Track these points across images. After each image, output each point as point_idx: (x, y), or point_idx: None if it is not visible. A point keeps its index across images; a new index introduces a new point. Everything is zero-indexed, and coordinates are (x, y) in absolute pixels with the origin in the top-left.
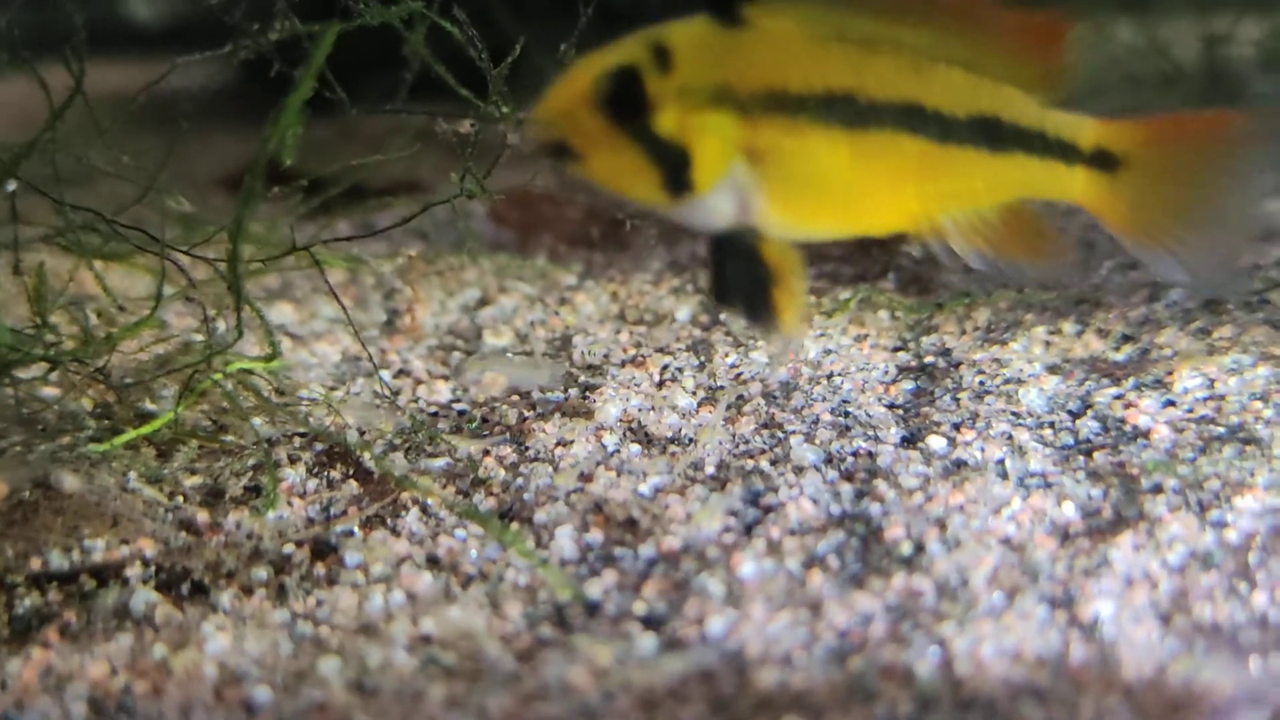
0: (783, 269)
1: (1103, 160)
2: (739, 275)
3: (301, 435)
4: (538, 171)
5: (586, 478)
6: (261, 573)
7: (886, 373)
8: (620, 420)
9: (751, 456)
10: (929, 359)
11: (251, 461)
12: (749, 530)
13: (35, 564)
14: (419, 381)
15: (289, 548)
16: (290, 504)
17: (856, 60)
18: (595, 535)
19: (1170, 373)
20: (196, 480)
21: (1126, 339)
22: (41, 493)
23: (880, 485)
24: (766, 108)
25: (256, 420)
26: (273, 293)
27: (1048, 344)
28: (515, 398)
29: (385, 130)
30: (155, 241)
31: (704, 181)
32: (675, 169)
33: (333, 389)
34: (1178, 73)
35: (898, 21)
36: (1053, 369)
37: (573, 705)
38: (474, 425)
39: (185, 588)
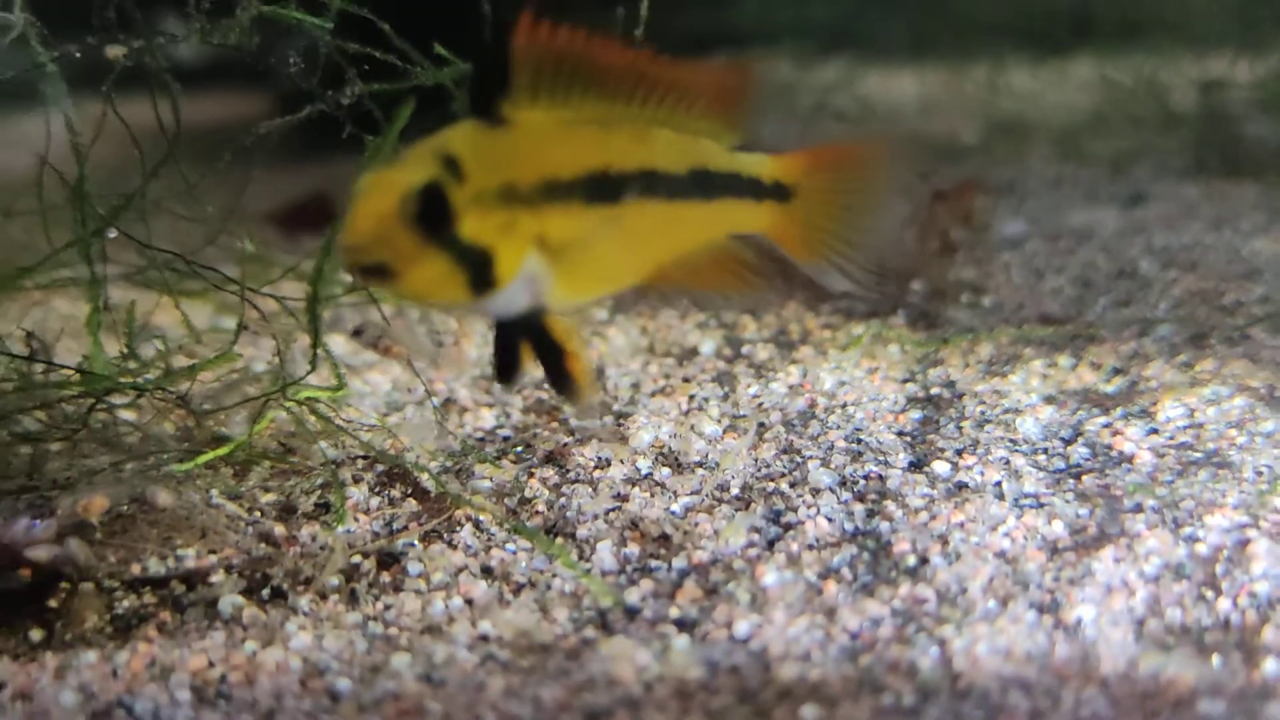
0: (568, 339)
1: (779, 192)
2: (542, 355)
3: (364, 458)
4: None
5: (623, 498)
6: (334, 580)
7: (896, 403)
8: (652, 446)
9: (772, 479)
10: (935, 390)
11: (319, 481)
12: (771, 545)
13: (135, 569)
14: (464, 409)
15: (357, 558)
16: (356, 519)
17: (600, 139)
18: (632, 549)
19: (1155, 403)
20: (271, 497)
21: (1117, 372)
22: (138, 507)
23: (889, 505)
24: (546, 197)
25: (323, 444)
26: (326, 325)
27: (1044, 376)
28: (555, 424)
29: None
30: (231, 281)
31: (506, 276)
32: (481, 270)
33: (386, 415)
34: (1174, 116)
35: (617, 97)
36: (1049, 399)
37: (616, 695)
38: (518, 450)
39: (266, 592)
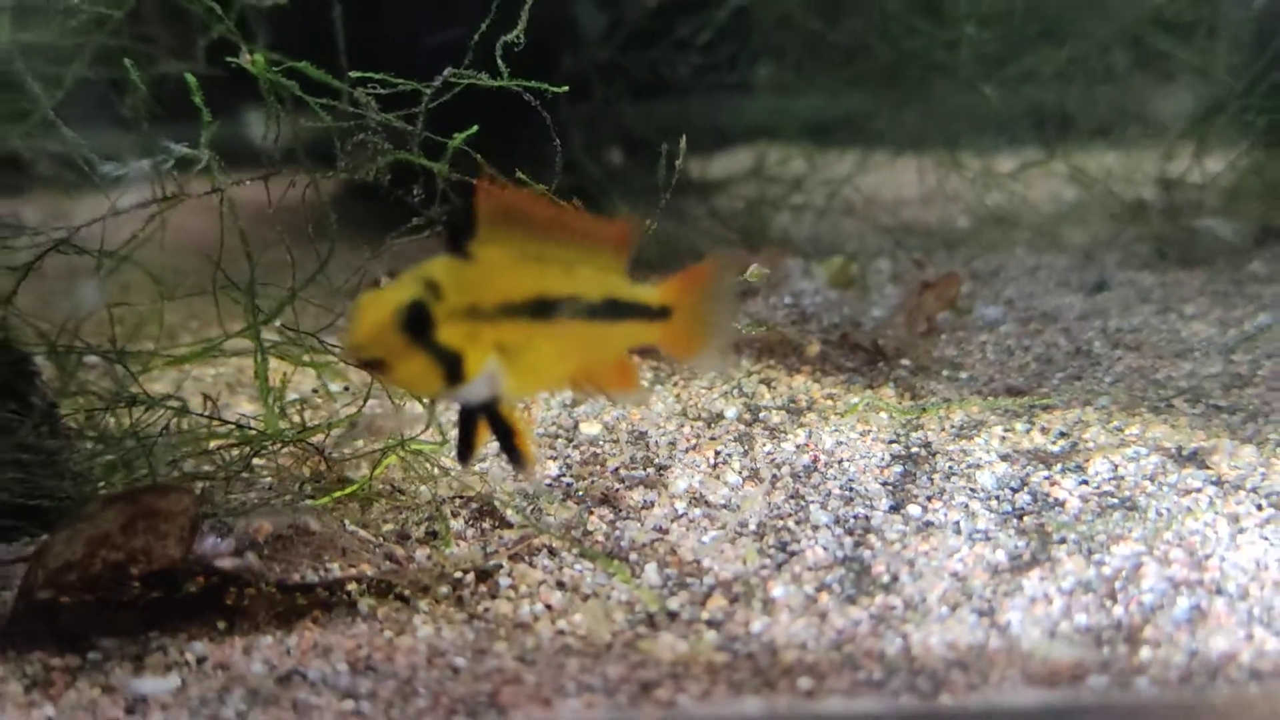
0: (516, 422)
1: (663, 313)
2: (497, 433)
3: (461, 497)
4: None
5: (664, 530)
6: (444, 589)
7: (882, 459)
8: (686, 491)
9: (781, 518)
10: (914, 449)
11: (425, 514)
12: (779, 567)
13: (294, 578)
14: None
15: (459, 574)
16: (457, 544)
17: (539, 272)
18: (672, 570)
19: (1088, 460)
20: (389, 526)
21: (1062, 435)
22: (295, 531)
23: (871, 538)
24: (502, 315)
25: (425, 486)
26: None
27: (1003, 439)
28: (606, 475)
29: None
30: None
31: (471, 372)
32: (452, 368)
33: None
34: (1141, 209)
35: (550, 240)
36: (1004, 457)
37: (663, 671)
38: (580, 493)
39: (393, 598)
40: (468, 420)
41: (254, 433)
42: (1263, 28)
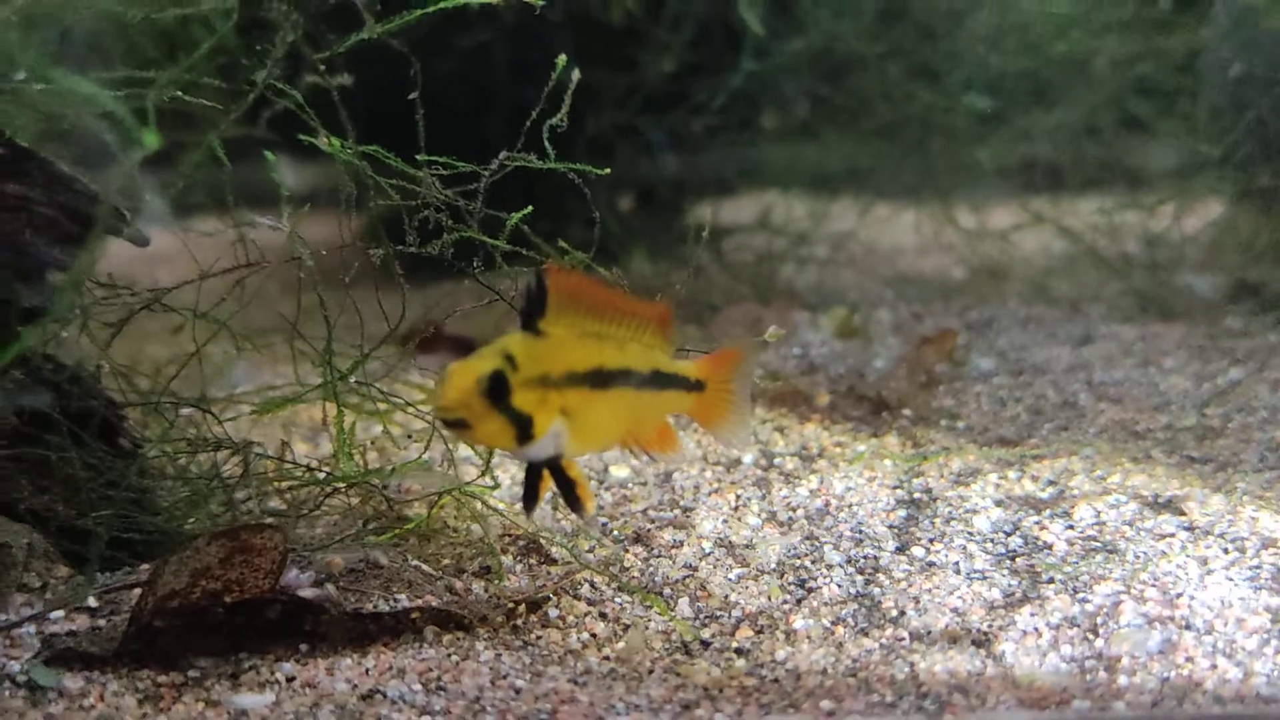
0: (577, 475)
1: (697, 385)
2: (560, 485)
3: (509, 535)
4: None
5: (693, 568)
6: (500, 618)
7: (888, 504)
8: (712, 532)
9: (799, 558)
10: (917, 495)
11: (476, 551)
12: (799, 602)
13: (368, 607)
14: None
15: (512, 605)
16: (508, 578)
17: (598, 348)
18: (703, 603)
19: (1073, 507)
20: (446, 561)
21: (1051, 483)
22: (365, 565)
23: (880, 577)
24: (566, 383)
25: (474, 525)
26: None
27: (997, 486)
28: (639, 514)
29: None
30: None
31: (540, 433)
32: (524, 428)
33: (514, 504)
34: (1126, 263)
35: (606, 320)
36: (998, 503)
37: (699, 693)
38: (615, 533)
39: (453, 626)
40: (533, 474)
41: (324, 475)
42: (1236, 96)
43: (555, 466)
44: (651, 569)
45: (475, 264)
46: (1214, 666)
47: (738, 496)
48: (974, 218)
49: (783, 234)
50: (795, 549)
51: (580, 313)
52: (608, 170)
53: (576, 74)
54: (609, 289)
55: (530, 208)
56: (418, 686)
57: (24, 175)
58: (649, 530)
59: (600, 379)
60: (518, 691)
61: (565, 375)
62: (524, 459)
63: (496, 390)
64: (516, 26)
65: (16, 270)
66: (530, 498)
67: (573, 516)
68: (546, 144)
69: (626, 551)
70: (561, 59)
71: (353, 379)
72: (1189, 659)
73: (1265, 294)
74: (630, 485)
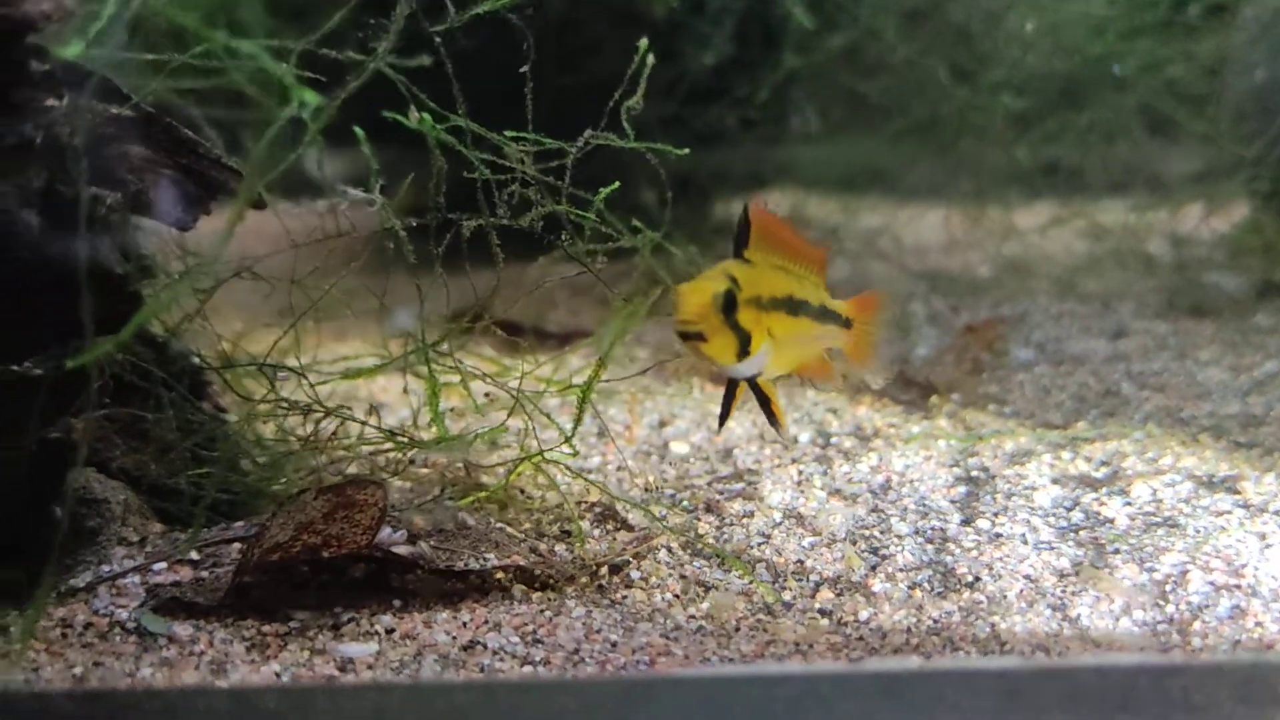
0: (770, 392)
1: (849, 323)
2: (760, 399)
3: (584, 502)
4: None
5: (766, 535)
6: (585, 578)
7: (947, 481)
8: (781, 504)
9: (867, 529)
10: (974, 473)
11: (553, 516)
12: (874, 568)
13: (458, 565)
14: (635, 474)
15: (595, 566)
16: (587, 542)
17: (788, 279)
18: (779, 568)
19: (1129, 485)
20: (527, 525)
21: (1104, 464)
22: (455, 526)
23: (950, 546)
24: (772, 307)
25: (550, 493)
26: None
27: (1052, 465)
28: (706, 486)
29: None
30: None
31: (754, 350)
32: (744, 344)
33: (587, 472)
34: (1152, 262)
35: (789, 256)
36: (1055, 481)
37: (790, 649)
38: (685, 503)
39: (538, 585)
40: (731, 392)
41: (410, 440)
42: (1264, 100)
43: (754, 384)
44: (725, 536)
45: (563, 238)
46: None
47: (800, 472)
48: (1001, 217)
49: (815, 227)
50: (862, 520)
51: (772, 247)
52: (687, 150)
53: (651, 59)
54: (790, 229)
55: (617, 184)
56: (515, 639)
57: (149, 138)
58: (718, 501)
59: (792, 306)
60: (613, 645)
61: (770, 300)
62: (738, 375)
63: (729, 306)
64: (561, 19)
65: (130, 234)
66: (724, 415)
67: (657, 477)
68: (626, 125)
69: (699, 520)
70: (644, 42)
71: (440, 348)
72: (1258, 624)
73: None
74: (692, 460)
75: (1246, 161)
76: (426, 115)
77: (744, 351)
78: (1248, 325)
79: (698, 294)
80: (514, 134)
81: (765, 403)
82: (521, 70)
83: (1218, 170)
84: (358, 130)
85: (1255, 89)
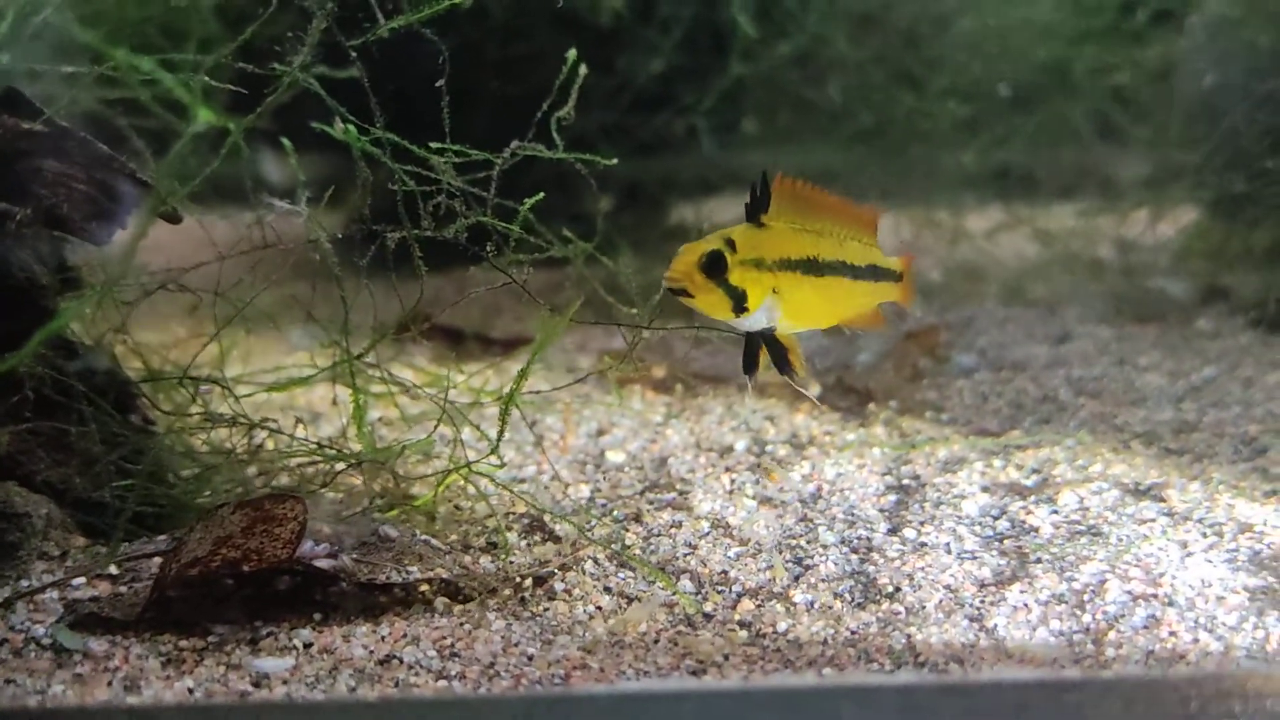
0: (791, 345)
1: (899, 276)
2: (772, 352)
3: (512, 514)
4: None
5: (693, 546)
6: (508, 591)
7: (878, 489)
8: (710, 513)
9: (794, 538)
10: (906, 481)
11: (480, 528)
12: (797, 579)
13: (380, 578)
14: (567, 484)
15: (519, 579)
16: (514, 553)
17: (813, 241)
18: (703, 579)
19: (1057, 493)
20: (454, 537)
21: (1034, 471)
22: (377, 539)
23: (875, 555)
24: (780, 268)
25: (479, 505)
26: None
27: (983, 474)
28: (637, 496)
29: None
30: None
31: (753, 306)
32: (739, 301)
33: (518, 483)
34: (1099, 267)
35: (831, 221)
36: (985, 489)
37: (705, 661)
38: (614, 512)
39: (461, 598)
40: (751, 343)
41: (335, 452)
42: (1211, 106)
43: (769, 338)
44: (652, 547)
45: (489, 250)
46: (1196, 640)
47: (732, 480)
48: (950, 222)
49: None
50: (790, 530)
51: (801, 213)
52: (615, 160)
53: (583, 70)
54: (831, 197)
55: (541, 194)
56: (433, 653)
57: (64, 153)
58: (648, 511)
59: (813, 267)
60: (530, 658)
61: (779, 260)
62: (744, 329)
63: (713, 266)
64: (504, 24)
65: (54, 247)
66: (749, 364)
67: (573, 497)
68: (555, 136)
69: (626, 530)
70: (572, 52)
71: (365, 359)
72: (1172, 633)
73: (1235, 298)
74: (626, 469)
75: (1193, 167)
76: (351, 127)
77: (739, 308)
78: (1190, 330)
79: (687, 255)
80: (438, 145)
81: (782, 354)
82: (438, 84)
83: (1166, 175)
84: (285, 141)
85: (1202, 95)
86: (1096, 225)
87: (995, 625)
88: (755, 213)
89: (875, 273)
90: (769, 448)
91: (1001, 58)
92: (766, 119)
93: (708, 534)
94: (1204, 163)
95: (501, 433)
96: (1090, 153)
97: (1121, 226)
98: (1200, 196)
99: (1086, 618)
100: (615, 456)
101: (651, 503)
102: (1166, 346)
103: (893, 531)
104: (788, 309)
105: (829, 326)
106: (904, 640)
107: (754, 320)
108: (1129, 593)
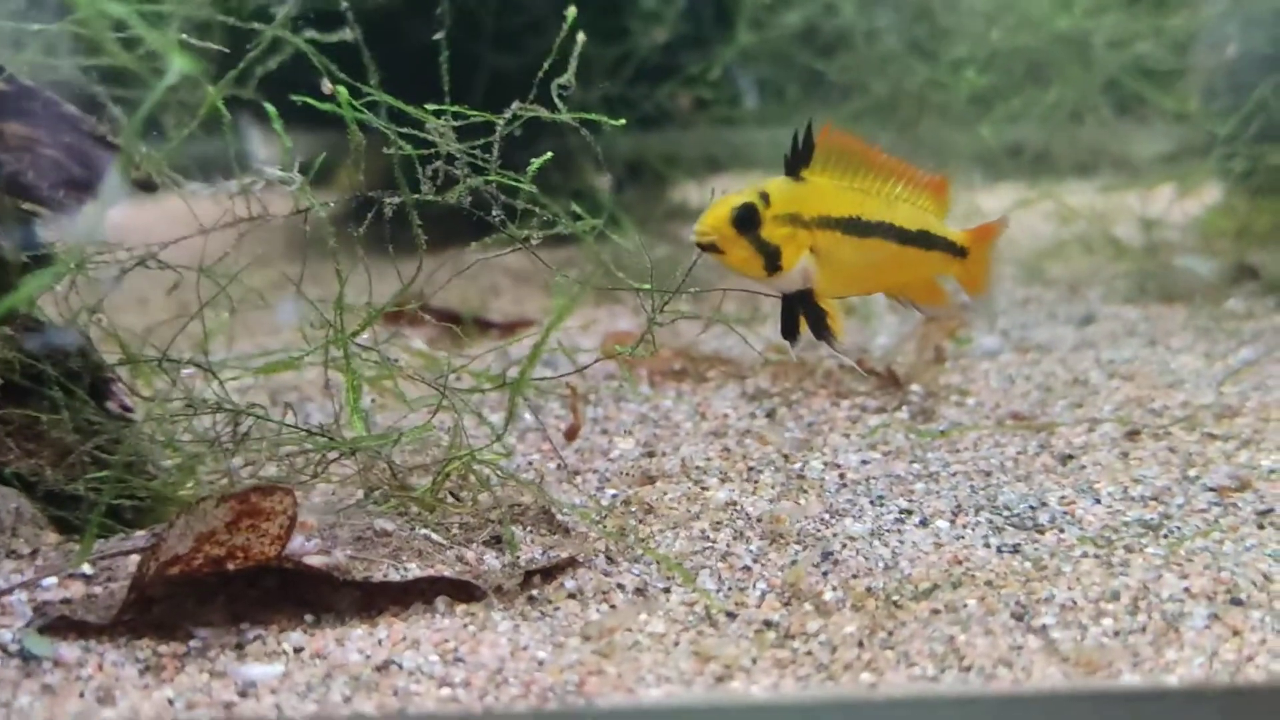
0: (830, 309)
1: (963, 252)
2: (809, 316)
3: (518, 505)
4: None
5: (710, 539)
6: (514, 589)
7: (905, 477)
8: (727, 502)
9: (825, 525)
10: (934, 469)
11: (485, 520)
12: (825, 575)
13: (377, 576)
14: (576, 472)
15: (526, 575)
16: (519, 548)
17: (859, 199)
18: (725, 574)
19: (1098, 481)
20: (455, 531)
21: (1069, 457)
22: (373, 533)
23: (906, 549)
24: (819, 225)
25: (483, 496)
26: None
27: (1015, 461)
28: (649, 485)
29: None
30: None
31: (787, 265)
32: (773, 259)
33: (525, 472)
34: (1121, 246)
35: (880, 180)
36: (1019, 479)
37: (731, 666)
38: (626, 504)
39: (464, 597)
40: (789, 305)
41: (329, 440)
42: (1237, 76)
43: (806, 300)
44: (669, 539)
45: (495, 216)
46: (1263, 641)
47: (751, 468)
48: (965, 199)
49: None
50: (814, 519)
51: (847, 168)
52: (623, 121)
53: (581, 38)
54: (884, 154)
55: (550, 154)
56: (434, 657)
57: (28, 114)
58: (659, 501)
59: (857, 227)
60: (540, 663)
61: (817, 218)
62: (776, 289)
63: (745, 221)
64: None
65: (17, 215)
66: (788, 328)
67: (579, 487)
68: (557, 101)
69: (640, 522)
70: (572, 11)
71: (359, 340)
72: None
73: (1265, 276)
74: (636, 457)
75: (1219, 140)
76: (342, 88)
77: (773, 266)
78: (1220, 311)
79: (717, 208)
80: (435, 107)
81: (816, 317)
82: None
83: (1189, 150)
84: (270, 108)
85: (1227, 65)
86: (1117, 203)
87: (1044, 625)
88: (795, 166)
89: (928, 240)
90: (787, 434)
91: (1019, 29)
92: (774, 92)
93: (725, 525)
94: (1230, 135)
95: (510, 418)
96: (1110, 127)
97: (1143, 204)
98: (1226, 171)
99: (1141, 617)
100: (624, 444)
101: (665, 492)
102: (1197, 328)
103: (923, 524)
104: (825, 271)
105: (874, 294)
106: (946, 640)
107: (788, 280)
108: (1185, 589)
